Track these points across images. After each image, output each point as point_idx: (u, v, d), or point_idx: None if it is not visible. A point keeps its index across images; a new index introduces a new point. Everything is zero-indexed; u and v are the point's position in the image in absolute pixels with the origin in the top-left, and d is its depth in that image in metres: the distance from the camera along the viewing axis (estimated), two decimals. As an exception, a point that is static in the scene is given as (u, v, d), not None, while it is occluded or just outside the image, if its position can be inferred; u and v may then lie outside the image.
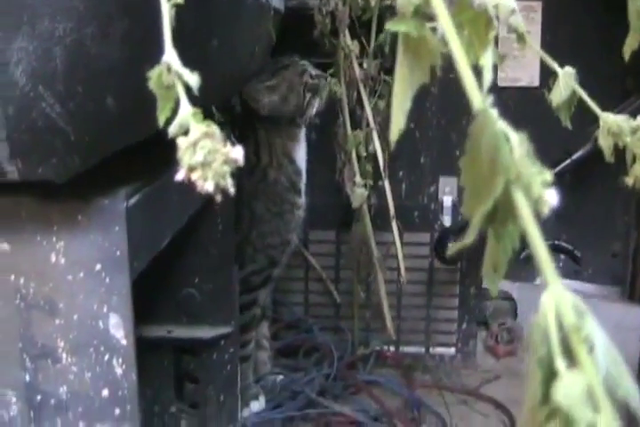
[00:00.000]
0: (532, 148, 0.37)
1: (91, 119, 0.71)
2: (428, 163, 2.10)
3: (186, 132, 0.39)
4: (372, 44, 1.79)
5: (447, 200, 2.08)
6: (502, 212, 0.37)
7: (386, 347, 2.18)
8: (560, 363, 0.34)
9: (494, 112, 0.37)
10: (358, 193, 1.77)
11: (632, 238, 2.15)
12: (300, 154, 1.83)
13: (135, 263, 0.84)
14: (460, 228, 1.94)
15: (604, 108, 0.70)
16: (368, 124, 1.82)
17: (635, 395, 0.36)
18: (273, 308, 2.09)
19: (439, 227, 2.09)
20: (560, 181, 1.70)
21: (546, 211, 0.36)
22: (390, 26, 0.43)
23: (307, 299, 2.23)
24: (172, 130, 0.40)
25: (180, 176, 0.39)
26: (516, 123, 0.40)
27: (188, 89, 0.41)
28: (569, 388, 0.34)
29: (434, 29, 0.43)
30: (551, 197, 0.36)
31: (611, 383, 0.35)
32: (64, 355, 0.84)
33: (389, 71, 1.89)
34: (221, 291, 1.50)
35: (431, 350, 2.21)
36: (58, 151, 0.68)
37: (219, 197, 0.39)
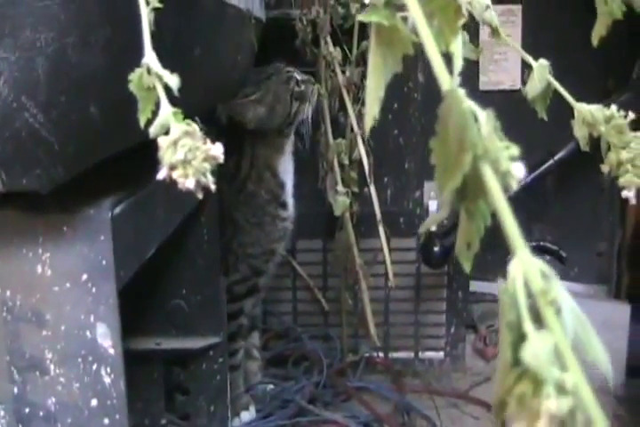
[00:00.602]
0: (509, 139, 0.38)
1: (74, 128, 0.71)
2: (413, 168, 2.11)
3: (167, 132, 0.40)
4: (355, 51, 1.80)
5: (432, 205, 2.09)
6: (472, 188, 0.38)
7: (375, 353, 2.18)
8: (528, 325, 0.35)
9: (462, 92, 0.37)
10: (340, 201, 1.77)
11: (617, 237, 2.16)
12: (285, 166, 1.82)
13: (121, 273, 0.84)
14: (445, 231, 1.94)
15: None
16: (352, 131, 1.82)
17: (603, 358, 0.37)
18: (262, 318, 2.09)
19: (425, 232, 2.09)
20: (544, 182, 1.70)
21: (514, 185, 0.37)
22: (363, 17, 0.44)
23: (295, 308, 2.23)
24: (152, 130, 0.40)
25: (161, 175, 0.39)
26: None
27: (168, 90, 0.42)
28: (537, 348, 0.34)
29: (405, 19, 0.43)
30: (518, 171, 0.37)
31: (579, 347, 0.36)
32: (52, 366, 0.83)
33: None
34: (209, 301, 1.50)
35: (420, 354, 2.21)
36: (42, 161, 0.69)
37: (200, 195, 0.39)
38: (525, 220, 2.07)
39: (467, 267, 0.43)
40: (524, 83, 2.09)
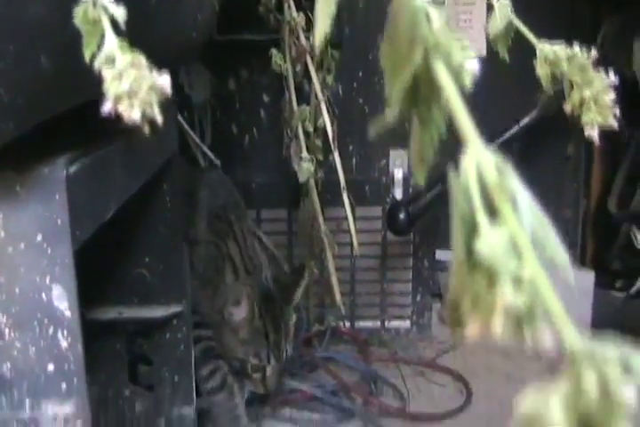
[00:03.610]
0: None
1: (24, 80, 0.68)
2: (378, 136, 2.09)
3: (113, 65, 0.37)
4: (318, 16, 1.76)
5: (398, 173, 2.07)
6: (424, 92, 0.36)
7: (341, 323, 2.17)
8: (482, 218, 0.33)
9: None
10: (305, 167, 1.75)
11: (581, 205, 2.17)
12: None
13: (78, 233, 0.81)
14: (411, 198, 1.93)
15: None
16: (316, 98, 1.80)
17: (562, 255, 0.35)
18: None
19: (391, 200, 2.08)
20: (509, 150, 1.71)
21: (468, 81, 0.35)
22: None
23: (260, 278, 2.20)
24: (98, 62, 0.38)
25: (106, 108, 0.37)
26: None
27: (114, 23, 0.39)
28: (491, 240, 0.32)
29: None
30: (472, 66, 0.35)
31: (537, 244, 0.34)
32: (6, 330, 0.81)
33: (336, 46, 1.88)
34: (172, 270, 1.47)
35: (387, 323, 2.21)
36: (-11, 115, 0.66)
37: (147, 129, 0.37)
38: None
39: (420, 180, 0.41)
40: (489, 50, 2.06)
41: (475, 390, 1.86)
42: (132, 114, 0.36)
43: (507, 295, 0.31)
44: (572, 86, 0.62)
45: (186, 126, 1.94)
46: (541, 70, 0.62)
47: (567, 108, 0.62)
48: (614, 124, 0.62)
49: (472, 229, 0.33)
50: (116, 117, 0.38)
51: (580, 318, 1.95)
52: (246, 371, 1.63)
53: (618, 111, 0.62)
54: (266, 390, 1.65)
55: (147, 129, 0.37)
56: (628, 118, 1.83)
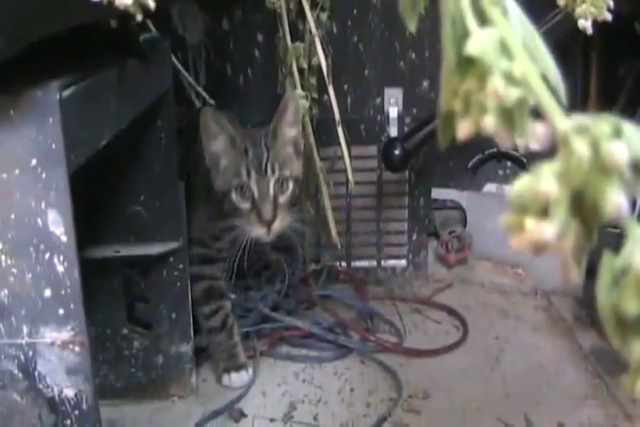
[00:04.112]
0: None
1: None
2: (373, 75, 2.07)
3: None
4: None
5: (393, 111, 2.05)
6: None
7: (337, 262, 2.18)
8: (472, 22, 0.32)
9: None
10: (300, 104, 1.73)
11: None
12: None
13: (72, 157, 0.80)
14: (405, 135, 1.92)
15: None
16: (310, 34, 1.77)
17: (553, 69, 0.34)
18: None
19: (386, 138, 2.06)
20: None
21: None
22: None
23: (257, 218, 2.20)
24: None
25: (98, -6, 0.36)
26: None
27: None
28: (482, 39, 0.32)
29: None
30: None
31: (527, 53, 0.33)
32: (3, 257, 0.81)
33: (330, -16, 1.85)
34: (168, 207, 1.47)
35: (383, 263, 2.20)
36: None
37: (139, 16, 0.36)
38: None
39: (411, 27, 0.40)
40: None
41: (470, 326, 1.87)
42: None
43: (498, 88, 0.31)
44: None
45: (180, 67, 1.92)
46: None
47: (560, 1, 0.61)
48: (608, 16, 0.61)
49: (462, 35, 0.32)
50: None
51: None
52: (231, 201, 1.54)
53: (612, 3, 0.62)
54: (266, 226, 1.52)
55: (139, 17, 0.36)
56: (626, 51, 1.81)
